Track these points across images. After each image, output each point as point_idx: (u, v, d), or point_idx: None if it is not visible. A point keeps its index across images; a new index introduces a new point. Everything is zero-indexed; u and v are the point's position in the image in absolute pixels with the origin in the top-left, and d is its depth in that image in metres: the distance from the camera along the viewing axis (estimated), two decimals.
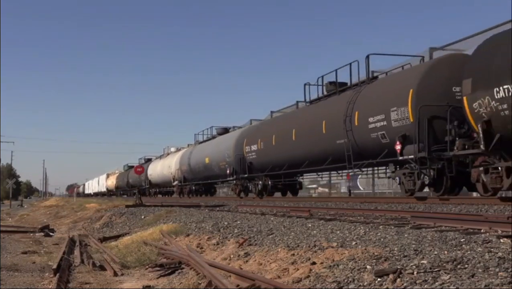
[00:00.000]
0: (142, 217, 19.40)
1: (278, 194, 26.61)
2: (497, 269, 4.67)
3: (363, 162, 17.28)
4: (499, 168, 11.96)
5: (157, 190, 45.84)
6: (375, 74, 18.24)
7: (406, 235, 6.96)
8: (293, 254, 7.25)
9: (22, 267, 10.66)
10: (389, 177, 18.16)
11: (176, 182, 37.60)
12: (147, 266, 9.95)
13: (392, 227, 7.99)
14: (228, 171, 28.69)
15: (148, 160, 51.65)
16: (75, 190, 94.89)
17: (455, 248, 5.71)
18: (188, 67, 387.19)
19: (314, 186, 51.44)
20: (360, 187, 41.55)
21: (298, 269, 6.45)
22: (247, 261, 8.01)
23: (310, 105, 22.27)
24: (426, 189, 15.69)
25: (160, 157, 46.15)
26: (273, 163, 23.88)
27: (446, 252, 5.57)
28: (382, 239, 6.97)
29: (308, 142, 20.28)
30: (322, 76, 21.39)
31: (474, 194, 15.42)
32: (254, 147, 25.60)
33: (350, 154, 17.35)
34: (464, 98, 12.32)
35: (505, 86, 11.10)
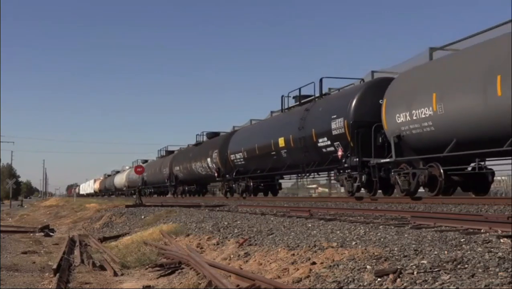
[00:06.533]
0: (142, 217, 19.41)
1: None
2: (497, 269, 4.67)
3: None
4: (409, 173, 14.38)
5: (120, 192, 70.51)
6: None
7: (406, 235, 6.96)
8: (293, 254, 7.25)
9: (22, 267, 10.67)
10: None
11: (124, 188, 62.84)
12: (147, 266, 9.96)
13: (392, 227, 8.00)
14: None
15: (117, 172, 76.17)
16: (73, 190, 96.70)
17: (455, 248, 5.71)
18: (189, 67, 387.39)
19: (314, 186, 51.40)
20: None
21: (298, 269, 6.45)
22: (247, 261, 8.02)
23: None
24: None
25: (120, 171, 71.91)
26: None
27: (446, 252, 5.57)
28: (382, 239, 6.97)
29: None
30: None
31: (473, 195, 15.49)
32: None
33: None
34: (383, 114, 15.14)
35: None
